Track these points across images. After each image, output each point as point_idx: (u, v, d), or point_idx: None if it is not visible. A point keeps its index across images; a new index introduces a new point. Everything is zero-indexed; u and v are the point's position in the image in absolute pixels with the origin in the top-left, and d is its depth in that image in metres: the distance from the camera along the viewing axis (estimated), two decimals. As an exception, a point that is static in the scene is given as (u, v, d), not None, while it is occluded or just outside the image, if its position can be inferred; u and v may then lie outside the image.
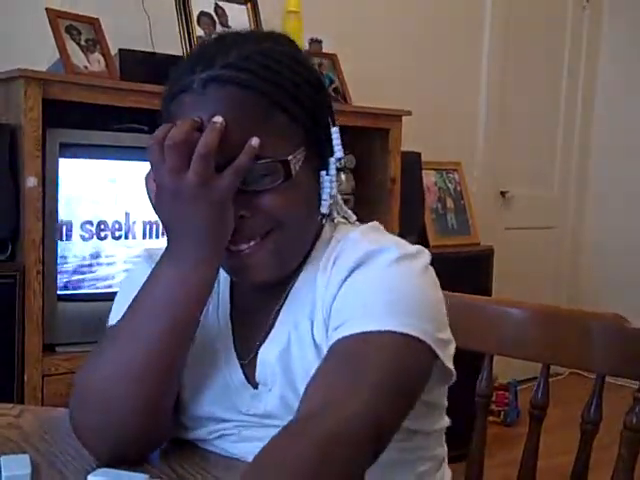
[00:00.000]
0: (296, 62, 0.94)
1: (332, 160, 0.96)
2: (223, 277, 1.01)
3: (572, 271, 4.70)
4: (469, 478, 1.29)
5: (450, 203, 3.43)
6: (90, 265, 2.30)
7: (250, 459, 0.94)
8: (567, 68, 4.55)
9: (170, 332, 0.90)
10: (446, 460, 1.09)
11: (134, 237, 2.35)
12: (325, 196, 0.96)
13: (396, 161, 2.98)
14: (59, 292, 2.23)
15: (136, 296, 0.92)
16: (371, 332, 0.85)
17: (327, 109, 0.97)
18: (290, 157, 0.90)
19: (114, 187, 2.31)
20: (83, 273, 2.30)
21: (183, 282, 0.89)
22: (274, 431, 0.93)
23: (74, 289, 2.27)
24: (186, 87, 0.90)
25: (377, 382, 0.82)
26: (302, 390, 0.90)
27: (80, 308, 2.25)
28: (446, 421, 1.05)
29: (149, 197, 0.92)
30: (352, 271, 0.91)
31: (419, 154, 3.15)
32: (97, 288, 2.30)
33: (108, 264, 2.32)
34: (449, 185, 3.46)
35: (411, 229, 2.95)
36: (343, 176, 2.88)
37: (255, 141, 0.87)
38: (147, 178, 0.92)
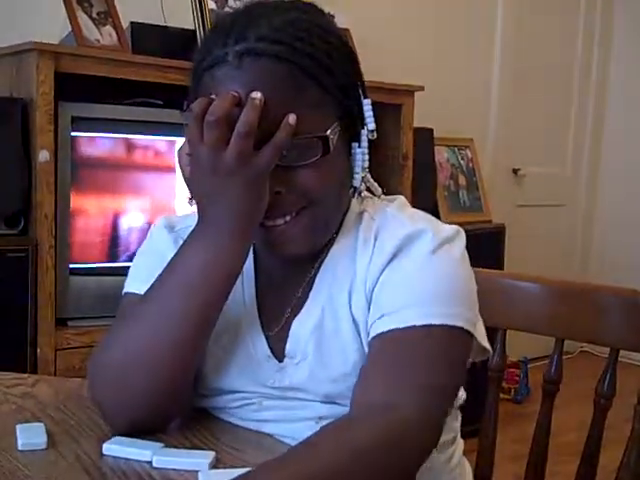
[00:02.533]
0: (327, 32, 0.92)
1: (364, 132, 0.95)
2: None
3: (584, 249, 4.68)
4: (482, 452, 1.29)
5: (462, 180, 3.42)
6: (102, 240, 2.31)
7: (268, 428, 0.96)
8: (581, 46, 4.51)
9: (200, 311, 0.89)
10: (459, 433, 1.10)
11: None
12: (358, 169, 0.95)
13: (408, 137, 2.97)
14: (71, 266, 2.24)
15: (165, 271, 0.91)
16: (420, 326, 0.87)
17: (359, 80, 0.96)
18: (328, 132, 0.89)
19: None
20: (96, 248, 2.31)
21: (216, 260, 0.88)
22: (297, 404, 0.95)
23: (86, 263, 2.28)
24: (220, 60, 0.88)
25: (431, 382, 0.85)
26: (333, 365, 0.93)
27: (92, 282, 2.26)
28: (463, 395, 1.06)
29: (182, 171, 0.92)
30: (394, 255, 0.91)
31: (431, 130, 3.13)
32: (110, 262, 2.30)
33: (122, 239, 2.33)
34: (461, 162, 3.45)
35: (423, 206, 2.92)
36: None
37: (292, 118, 0.86)
38: (180, 152, 0.92)
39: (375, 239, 0.94)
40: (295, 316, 0.96)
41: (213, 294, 0.90)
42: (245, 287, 1.00)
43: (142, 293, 0.93)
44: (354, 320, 0.93)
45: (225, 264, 0.89)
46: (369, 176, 1.00)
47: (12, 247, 2.14)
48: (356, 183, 0.95)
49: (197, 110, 0.86)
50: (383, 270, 0.91)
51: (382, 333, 0.88)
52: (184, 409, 0.97)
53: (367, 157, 0.96)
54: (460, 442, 1.10)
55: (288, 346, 0.96)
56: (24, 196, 2.16)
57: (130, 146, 2.32)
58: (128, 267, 1.05)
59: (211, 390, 1.00)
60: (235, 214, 0.87)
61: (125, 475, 0.84)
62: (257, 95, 0.85)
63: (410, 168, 2.97)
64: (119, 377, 0.91)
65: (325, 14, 0.97)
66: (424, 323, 0.87)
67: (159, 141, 2.32)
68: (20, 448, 0.89)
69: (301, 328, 0.95)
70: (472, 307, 0.93)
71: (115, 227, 2.33)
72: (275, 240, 0.93)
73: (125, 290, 1.02)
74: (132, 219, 2.34)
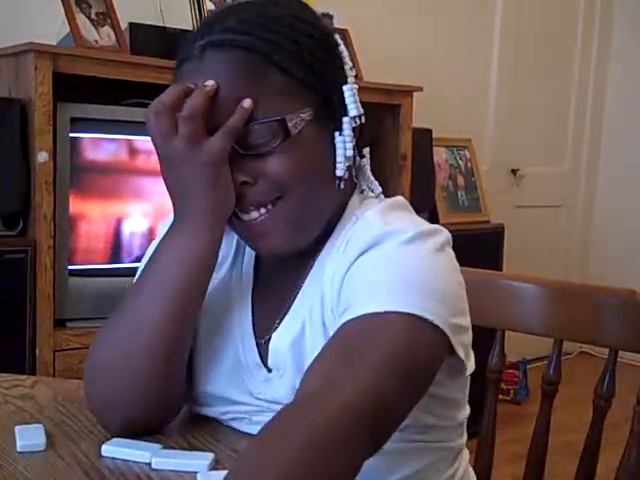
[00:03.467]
0: (298, 20, 0.90)
1: (346, 120, 0.91)
2: (248, 250, 1.00)
3: (582, 249, 4.68)
4: (480, 453, 1.29)
5: (461, 180, 3.42)
6: (102, 242, 2.31)
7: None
8: (580, 46, 4.51)
9: (176, 308, 0.88)
10: (464, 447, 1.05)
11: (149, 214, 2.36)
12: (339, 158, 0.91)
13: (407, 137, 2.97)
14: (70, 267, 2.24)
15: (142, 271, 0.92)
16: (374, 313, 0.79)
17: (338, 66, 0.92)
18: (288, 116, 0.86)
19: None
20: (95, 249, 2.31)
21: (189, 256, 0.88)
22: None
23: (85, 265, 2.28)
24: (187, 56, 0.89)
25: (377, 366, 0.75)
26: None
27: (91, 284, 2.26)
28: (466, 412, 1.01)
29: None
30: (362, 254, 0.86)
31: (430, 130, 3.13)
32: (109, 264, 2.30)
33: (120, 240, 2.33)
34: (460, 162, 3.45)
35: (422, 206, 2.94)
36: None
37: (247, 102, 0.85)
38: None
39: (347, 243, 0.90)
40: (278, 327, 0.94)
41: (183, 286, 0.89)
42: (242, 289, 0.98)
43: None
44: (326, 332, 0.89)
45: (198, 259, 0.89)
46: (369, 173, 0.98)
47: (11, 248, 2.14)
48: (338, 172, 0.91)
49: (152, 104, 0.87)
50: (348, 270, 0.87)
51: (340, 325, 0.81)
52: (175, 411, 0.97)
53: (350, 145, 0.92)
54: (465, 453, 1.05)
55: (270, 358, 0.94)
56: (23, 197, 2.16)
57: (129, 147, 2.32)
58: (127, 268, 1.05)
59: (204, 395, 0.98)
60: (201, 209, 0.87)
61: (124, 476, 0.83)
62: (209, 83, 0.85)
63: (409, 168, 2.97)
64: (105, 379, 0.91)
65: (305, 5, 0.94)
66: (379, 310, 0.79)
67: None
68: (19, 450, 0.89)
69: (280, 342, 0.92)
70: (443, 302, 0.82)
71: (115, 229, 2.33)
72: (253, 235, 0.91)
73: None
74: (132, 221, 2.34)
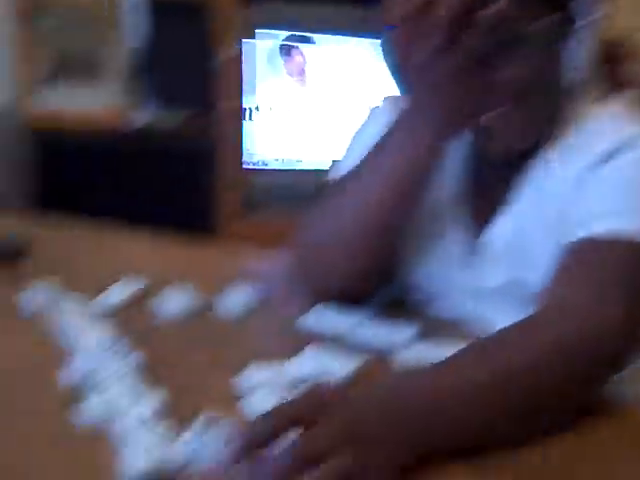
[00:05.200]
0: None
1: (582, 23, 0.89)
2: (462, 145, 0.98)
3: None
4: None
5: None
6: (281, 140, 2.35)
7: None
8: None
9: (396, 200, 0.89)
10: None
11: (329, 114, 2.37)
12: (573, 62, 0.90)
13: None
14: (250, 162, 2.30)
15: (366, 157, 0.91)
16: (619, 233, 0.80)
17: None
18: (542, 22, 0.84)
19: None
20: (275, 145, 2.35)
21: (417, 153, 0.87)
22: (492, 307, 0.93)
23: (265, 160, 2.33)
24: None
25: (625, 293, 0.77)
26: (527, 273, 0.89)
27: (273, 178, 2.31)
28: None
29: (386, 63, 0.90)
30: (601, 162, 0.85)
31: None
32: (293, 160, 2.35)
33: (299, 140, 2.36)
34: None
35: None
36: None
37: (504, 1, 0.82)
38: (384, 43, 0.90)
39: (585, 144, 0.88)
40: (495, 221, 0.94)
41: (409, 186, 0.89)
42: (454, 183, 0.98)
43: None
44: (550, 233, 0.88)
45: (425, 157, 0.88)
46: (592, 73, 0.95)
47: (196, 140, 2.21)
48: (571, 77, 0.90)
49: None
50: (586, 178, 0.86)
51: (578, 240, 0.83)
52: (378, 288, 0.98)
53: (584, 48, 0.91)
54: None
55: (485, 250, 0.94)
56: (207, 95, 2.21)
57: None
58: (306, 168, 1.05)
59: (407, 281, 1.00)
60: (440, 109, 0.85)
61: (327, 342, 0.85)
62: None
63: None
64: (318, 254, 0.93)
65: None
66: (625, 235, 0.80)
67: (342, 40, 2.32)
68: (227, 309, 0.93)
69: (498, 234, 0.93)
70: None
71: (302, 124, 2.36)
72: (487, 134, 0.90)
73: (334, 174, 1.03)
74: (319, 117, 2.36)
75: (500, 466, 0.61)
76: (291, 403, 0.59)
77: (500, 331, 0.73)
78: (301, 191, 2.03)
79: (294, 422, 0.56)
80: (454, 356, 0.69)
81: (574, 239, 0.83)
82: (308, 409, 0.58)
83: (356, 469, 0.55)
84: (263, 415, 0.57)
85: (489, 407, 0.65)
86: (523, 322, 0.76)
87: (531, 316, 0.76)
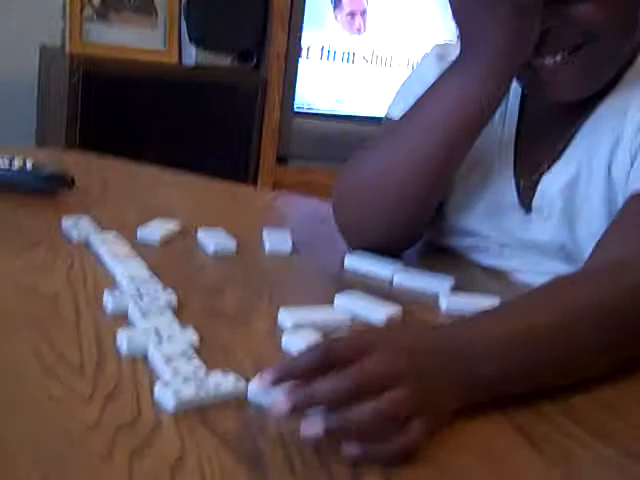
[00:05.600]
0: None
1: None
2: (514, 87, 0.95)
3: None
4: None
5: None
6: (329, 85, 2.33)
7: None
8: None
9: (449, 143, 0.87)
10: None
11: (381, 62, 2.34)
12: None
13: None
14: (297, 107, 2.28)
15: (420, 100, 0.90)
16: None
17: None
18: None
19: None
20: (322, 92, 2.33)
21: (473, 95, 0.85)
22: (537, 259, 0.91)
23: (311, 107, 2.32)
24: None
25: None
26: (580, 226, 0.88)
27: (315, 125, 2.30)
28: None
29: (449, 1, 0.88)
30: None
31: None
32: (333, 109, 2.32)
33: (348, 87, 2.33)
34: None
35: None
36: None
37: None
38: None
39: None
40: (548, 169, 0.91)
41: (464, 129, 0.87)
42: (505, 128, 0.95)
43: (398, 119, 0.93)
44: (611, 182, 0.86)
45: (481, 100, 0.86)
46: None
47: (243, 82, 2.20)
48: None
49: None
50: None
51: (637, 193, 0.80)
52: (418, 238, 0.97)
53: None
54: None
55: (536, 200, 0.92)
56: (259, 33, 2.20)
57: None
58: (353, 116, 1.04)
59: (451, 227, 0.98)
60: (499, 49, 0.82)
61: (364, 288, 0.84)
62: None
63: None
64: (358, 199, 0.92)
65: None
66: None
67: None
68: (267, 251, 0.93)
69: (551, 184, 0.90)
70: None
71: (353, 70, 2.33)
72: (543, 81, 0.87)
73: (385, 115, 1.01)
74: (372, 63, 2.33)
75: (552, 407, 0.61)
76: (339, 340, 0.58)
77: (558, 278, 0.72)
78: (346, 140, 2.01)
79: (341, 358, 0.54)
80: (512, 301, 0.68)
81: (629, 195, 0.81)
82: (359, 345, 0.56)
83: (412, 404, 0.53)
84: (308, 350, 0.55)
85: (554, 348, 0.63)
86: (584, 270, 0.75)
87: (590, 266, 0.76)
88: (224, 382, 0.58)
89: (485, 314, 0.65)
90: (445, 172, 0.90)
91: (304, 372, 0.53)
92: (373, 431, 0.51)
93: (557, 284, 0.71)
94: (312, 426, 0.50)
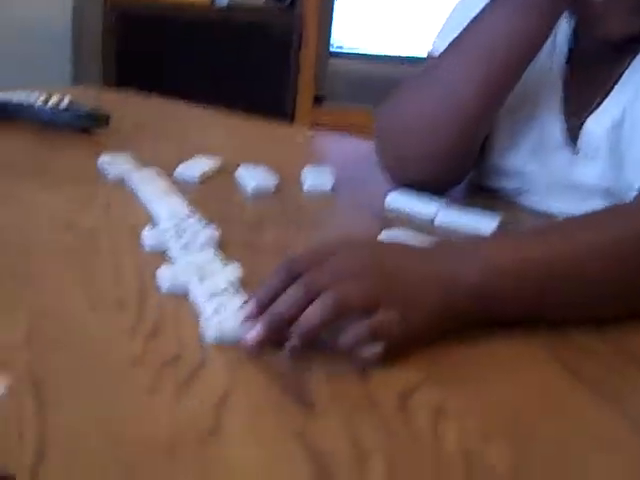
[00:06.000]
0: None
1: None
2: (564, 23, 0.91)
3: None
4: None
5: None
6: (365, 25, 2.28)
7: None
8: None
9: (494, 77, 0.84)
10: None
11: None
12: None
13: None
14: (332, 48, 2.24)
15: (465, 31, 0.86)
16: None
17: None
18: None
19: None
20: (358, 32, 2.28)
21: (520, 28, 0.82)
22: (583, 201, 0.88)
23: (347, 47, 2.27)
24: None
25: None
26: (626, 169, 0.84)
27: (351, 66, 2.26)
28: None
29: None
30: None
31: None
32: (371, 49, 2.28)
33: (386, 26, 2.28)
34: None
35: None
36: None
37: None
38: None
39: None
40: (595, 110, 0.88)
41: (509, 64, 0.84)
42: (553, 65, 0.91)
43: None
44: None
45: (529, 34, 0.83)
46: None
47: (278, 22, 2.16)
48: None
49: None
50: None
51: None
52: (462, 177, 0.95)
53: None
54: None
55: (582, 141, 0.88)
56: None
57: None
58: (391, 56, 1.01)
59: (497, 168, 0.96)
60: None
61: (407, 226, 0.82)
62: None
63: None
64: (403, 135, 0.90)
65: None
66: None
67: None
68: (306, 189, 0.92)
69: (597, 125, 0.87)
70: None
71: (384, 9, 2.28)
72: (593, 15, 0.83)
73: (430, 50, 0.98)
74: (404, 2, 2.27)
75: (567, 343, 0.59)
76: (299, 255, 0.57)
77: (588, 213, 0.68)
78: (384, 80, 1.97)
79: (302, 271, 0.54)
80: (531, 228, 0.66)
81: None
82: (318, 255, 0.56)
83: (369, 295, 0.53)
84: (272, 273, 0.56)
85: (565, 279, 0.60)
86: (614, 207, 0.72)
87: (626, 203, 0.74)
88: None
89: (497, 236, 0.63)
90: (489, 108, 0.87)
91: (273, 296, 0.54)
92: (330, 322, 0.52)
93: (583, 217, 0.68)
94: (252, 331, 0.52)
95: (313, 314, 0.52)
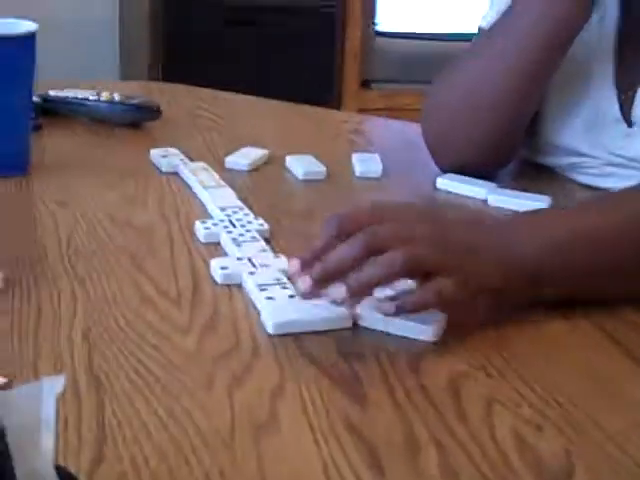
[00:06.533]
0: None
1: None
2: None
3: None
4: None
5: None
6: (410, 3, 2.26)
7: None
8: None
9: (535, 52, 0.83)
10: None
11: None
12: None
13: None
14: (378, 27, 2.22)
15: (508, 7, 0.85)
16: None
17: None
18: None
19: None
20: (404, 10, 2.26)
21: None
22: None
23: (394, 26, 2.25)
24: None
25: None
26: None
27: (400, 46, 2.24)
28: None
29: None
30: None
31: None
32: (419, 27, 2.25)
33: (432, 2, 2.25)
34: None
35: None
36: None
37: None
38: None
39: None
40: None
41: (556, 35, 0.82)
42: (602, 36, 0.89)
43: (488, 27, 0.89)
44: None
45: (570, 8, 0.81)
46: None
47: (321, 2, 2.15)
48: None
49: None
50: None
51: None
52: (510, 158, 0.93)
53: None
54: None
55: (634, 110, 0.86)
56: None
57: None
58: (439, 34, 1.00)
59: (549, 145, 0.94)
60: None
61: (458, 210, 0.83)
62: None
63: None
64: (450, 115, 0.90)
65: None
66: None
67: None
68: (357, 175, 0.91)
69: None
70: None
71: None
72: None
73: (479, 24, 0.97)
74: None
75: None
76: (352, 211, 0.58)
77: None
78: (433, 60, 1.95)
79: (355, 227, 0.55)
80: (580, 202, 0.66)
81: None
82: (374, 212, 0.57)
83: (428, 261, 0.54)
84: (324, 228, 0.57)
85: (618, 254, 0.60)
86: None
87: None
88: (321, 307, 0.57)
89: (549, 210, 0.65)
90: (536, 83, 0.86)
91: (323, 250, 0.55)
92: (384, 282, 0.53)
93: (633, 188, 0.67)
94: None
95: (380, 268, 0.53)
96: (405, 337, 0.55)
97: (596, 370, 0.54)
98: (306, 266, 0.55)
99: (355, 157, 0.94)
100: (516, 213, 0.68)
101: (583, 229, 0.60)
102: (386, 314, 0.54)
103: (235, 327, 0.57)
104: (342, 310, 0.56)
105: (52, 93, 1.05)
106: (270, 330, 0.55)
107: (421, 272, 0.54)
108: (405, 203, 0.63)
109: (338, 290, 0.53)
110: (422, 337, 0.55)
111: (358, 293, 0.54)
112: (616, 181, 0.88)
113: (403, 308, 0.53)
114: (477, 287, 0.56)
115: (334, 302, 0.54)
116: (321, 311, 0.56)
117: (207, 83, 1.30)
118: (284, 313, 0.56)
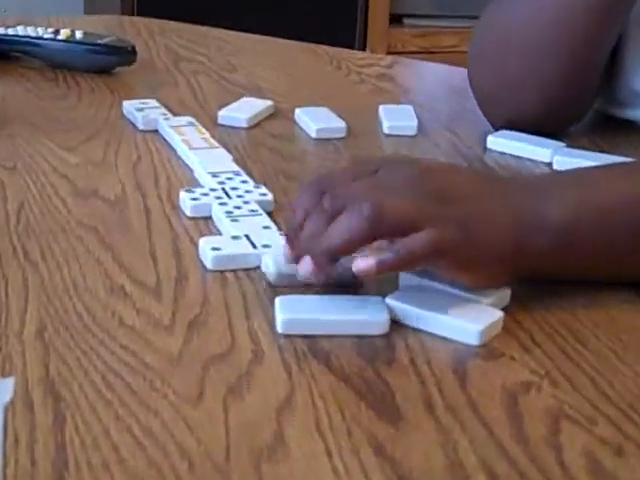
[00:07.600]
0: None
1: None
2: None
3: None
4: None
5: None
6: None
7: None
8: None
9: None
10: None
11: None
12: None
13: None
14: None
15: None
16: None
17: None
18: None
19: None
20: None
21: None
22: None
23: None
24: None
25: None
26: None
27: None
28: None
29: None
30: None
31: None
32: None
33: None
34: None
35: None
36: None
37: None
38: None
39: None
40: None
41: None
42: None
43: None
44: None
45: None
46: None
47: None
48: None
49: None
50: None
51: None
52: (582, 113, 0.95)
53: None
54: None
55: None
56: None
57: None
58: None
59: (628, 96, 0.95)
60: None
61: (513, 171, 0.84)
62: None
63: None
64: (503, 57, 0.91)
65: None
66: None
67: None
68: (386, 132, 0.92)
69: None
70: None
71: None
72: None
73: None
74: None
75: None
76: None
77: None
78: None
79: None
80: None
81: None
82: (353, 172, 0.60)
83: (411, 213, 0.55)
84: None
85: None
86: None
87: None
88: (349, 303, 0.57)
89: (581, 173, 0.67)
90: (609, 14, 0.87)
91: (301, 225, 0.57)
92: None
93: None
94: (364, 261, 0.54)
95: (337, 231, 0.54)
96: (448, 338, 0.55)
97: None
98: (293, 247, 0.58)
99: (383, 109, 0.95)
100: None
101: (624, 195, 0.62)
102: (360, 273, 0.54)
103: (230, 324, 0.56)
104: (379, 309, 0.56)
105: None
106: (279, 328, 0.55)
107: (399, 229, 0.54)
108: (399, 156, 0.64)
109: (303, 265, 0.56)
110: (469, 339, 0.54)
111: (323, 264, 0.55)
112: None
113: (383, 263, 0.54)
114: (480, 240, 0.56)
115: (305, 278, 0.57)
116: (348, 310, 0.56)
117: (194, 18, 1.30)
118: (298, 308, 0.56)
